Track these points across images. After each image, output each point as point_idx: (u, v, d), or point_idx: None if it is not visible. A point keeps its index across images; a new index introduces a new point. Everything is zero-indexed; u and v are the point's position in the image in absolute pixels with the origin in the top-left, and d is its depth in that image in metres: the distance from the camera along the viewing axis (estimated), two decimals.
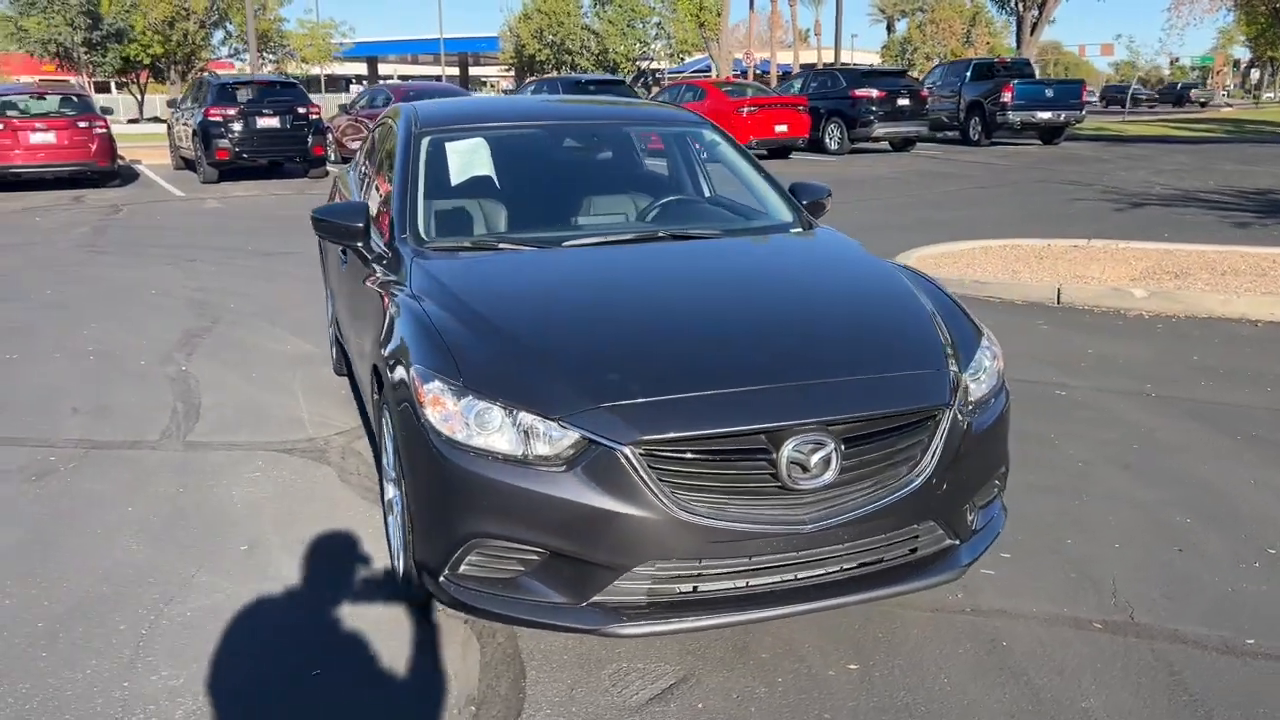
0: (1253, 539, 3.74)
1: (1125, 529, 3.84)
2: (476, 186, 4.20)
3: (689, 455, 2.68)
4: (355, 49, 70.72)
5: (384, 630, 3.15)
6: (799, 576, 2.83)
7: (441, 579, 2.85)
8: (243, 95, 16.71)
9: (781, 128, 20.59)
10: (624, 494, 2.64)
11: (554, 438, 2.70)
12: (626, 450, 2.64)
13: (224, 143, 16.08)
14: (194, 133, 16.52)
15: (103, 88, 47.15)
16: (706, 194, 4.51)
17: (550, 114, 4.84)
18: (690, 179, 4.58)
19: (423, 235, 3.79)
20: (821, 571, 2.84)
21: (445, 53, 67.07)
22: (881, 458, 2.83)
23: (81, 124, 15.35)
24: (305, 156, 16.86)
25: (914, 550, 2.97)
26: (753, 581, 2.80)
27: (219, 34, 43.26)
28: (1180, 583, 3.43)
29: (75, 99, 16.13)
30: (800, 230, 4.11)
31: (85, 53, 23.11)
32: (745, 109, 20.23)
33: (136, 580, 3.50)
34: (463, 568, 2.81)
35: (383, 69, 79.08)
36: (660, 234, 3.91)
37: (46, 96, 16.27)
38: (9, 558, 3.68)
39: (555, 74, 44.07)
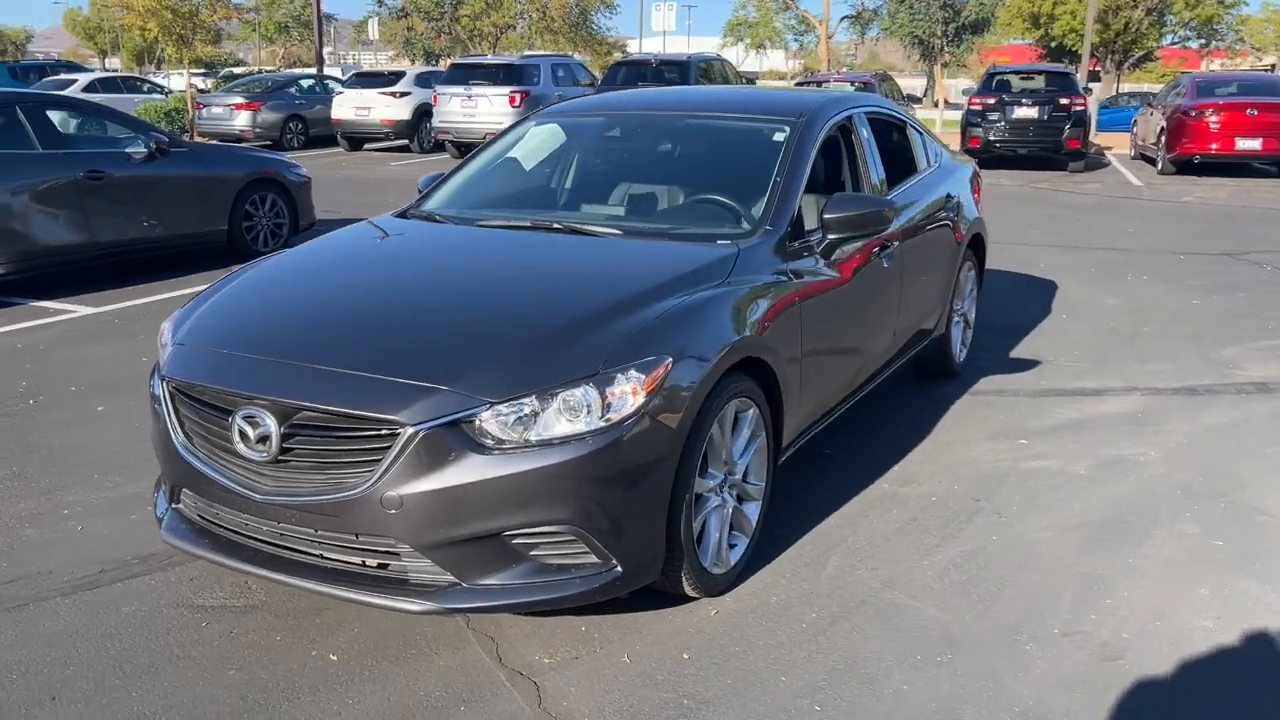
0: None
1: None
2: (516, 166, 4.57)
3: (189, 399, 3.07)
4: None
5: None
6: (280, 547, 2.99)
7: None
8: (1015, 84, 16.71)
9: None
10: (161, 421, 3.17)
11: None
12: (162, 384, 3.16)
13: (978, 131, 16.39)
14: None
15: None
16: (752, 193, 4.04)
17: (656, 104, 4.76)
18: (739, 177, 4.18)
19: (426, 203, 4.38)
20: (297, 549, 2.96)
21: None
22: (328, 453, 2.82)
23: None
24: (1059, 149, 16.21)
25: (399, 566, 2.85)
26: (246, 537, 3.06)
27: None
28: None
29: (865, 86, 17.89)
30: (727, 243, 3.64)
31: (943, 43, 24.93)
32: None
33: None
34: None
35: None
36: (555, 225, 3.88)
37: (839, 84, 18.37)
38: None
39: None
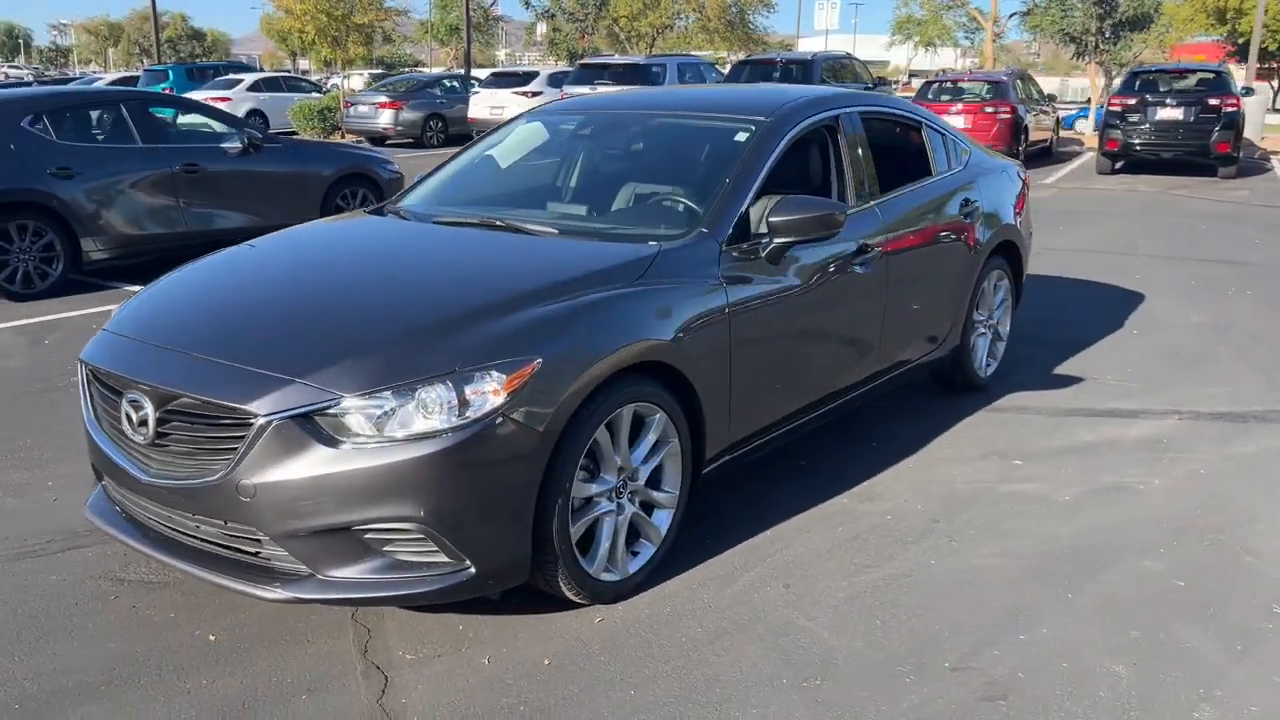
0: None
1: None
2: (494, 164, 4.59)
3: (98, 382, 3.23)
4: None
5: None
6: (170, 529, 3.11)
7: None
8: (1161, 84, 15.71)
9: None
10: (82, 401, 3.35)
11: None
12: (81, 367, 3.33)
13: (1116, 133, 15.48)
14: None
15: None
16: (701, 194, 3.91)
17: (635, 104, 4.69)
18: (693, 177, 4.09)
19: (405, 198, 4.47)
20: (182, 532, 3.07)
21: None
22: (198, 440, 2.91)
23: (988, 109, 16.41)
24: (1207, 153, 15.13)
25: (266, 554, 2.92)
26: (146, 518, 3.18)
27: None
28: None
29: (996, 86, 17.11)
30: (654, 244, 3.56)
31: (1097, 40, 23.34)
32: None
33: None
34: None
35: None
36: (498, 223, 3.87)
37: (972, 83, 17.63)
38: None
39: None
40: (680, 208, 3.87)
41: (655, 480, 3.42)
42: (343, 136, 21.95)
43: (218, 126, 9.01)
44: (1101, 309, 7.33)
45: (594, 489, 3.17)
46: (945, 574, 3.50)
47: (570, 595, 3.17)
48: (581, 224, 3.92)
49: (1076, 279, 8.33)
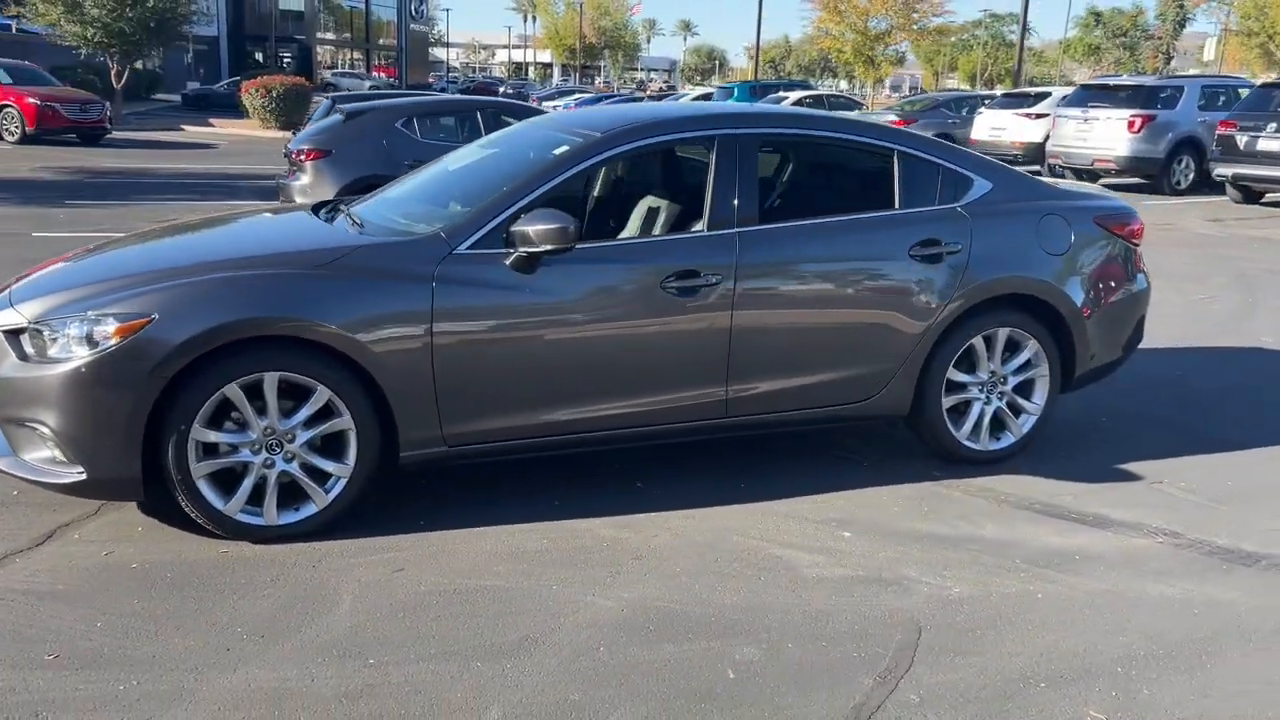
0: None
1: None
2: (445, 168, 5.09)
3: None
4: None
5: None
6: None
7: None
8: None
9: None
10: None
11: None
12: None
13: None
14: None
15: None
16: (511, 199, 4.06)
17: (564, 119, 4.78)
18: (505, 184, 4.19)
19: (380, 194, 5.21)
20: None
21: None
22: None
23: None
24: None
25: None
26: None
27: None
28: None
29: None
30: (418, 235, 4.00)
31: None
32: None
33: None
34: None
35: None
36: (347, 212, 4.46)
37: None
38: None
39: None
40: (472, 210, 4.12)
41: (335, 450, 3.81)
42: None
43: None
44: None
45: (230, 438, 3.70)
46: (535, 601, 3.41)
47: (201, 523, 3.74)
48: (395, 221, 4.33)
49: None
